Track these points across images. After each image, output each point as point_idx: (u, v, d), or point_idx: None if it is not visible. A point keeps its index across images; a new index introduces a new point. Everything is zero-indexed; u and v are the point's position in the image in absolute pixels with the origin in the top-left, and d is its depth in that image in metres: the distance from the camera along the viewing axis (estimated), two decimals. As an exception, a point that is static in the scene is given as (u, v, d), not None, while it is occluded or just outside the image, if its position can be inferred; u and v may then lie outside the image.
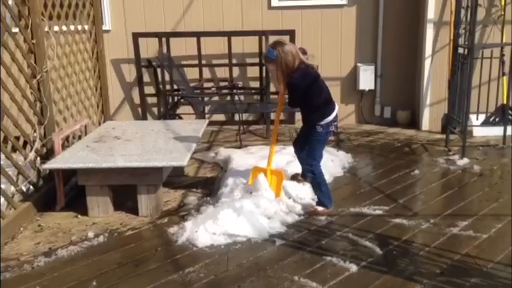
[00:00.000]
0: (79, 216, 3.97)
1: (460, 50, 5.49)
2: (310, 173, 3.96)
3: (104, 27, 6.16)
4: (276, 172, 4.10)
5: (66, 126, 4.61)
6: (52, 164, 3.89)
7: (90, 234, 3.64)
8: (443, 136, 5.92)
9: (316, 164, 3.95)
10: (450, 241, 3.46)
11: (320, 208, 3.93)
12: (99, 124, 5.45)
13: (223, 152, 5.49)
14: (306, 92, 3.78)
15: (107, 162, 3.84)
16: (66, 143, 4.53)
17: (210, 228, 3.53)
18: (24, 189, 3.96)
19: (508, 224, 3.69)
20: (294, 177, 4.33)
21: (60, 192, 4.09)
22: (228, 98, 6.75)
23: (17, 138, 3.97)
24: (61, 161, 3.92)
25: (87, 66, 5.27)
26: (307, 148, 3.94)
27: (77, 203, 4.12)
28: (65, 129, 4.48)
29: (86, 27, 5.28)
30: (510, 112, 5.71)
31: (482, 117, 5.77)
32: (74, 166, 3.86)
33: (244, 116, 6.44)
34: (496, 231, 3.58)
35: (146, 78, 6.67)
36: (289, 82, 3.77)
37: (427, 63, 6.39)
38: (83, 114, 5.12)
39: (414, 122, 6.77)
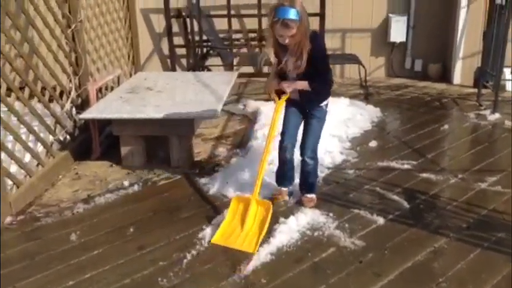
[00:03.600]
0: (114, 165, 4.12)
1: (498, 1, 5.30)
2: (313, 160, 3.33)
3: (133, -24, 6.12)
4: (263, 203, 3.14)
5: (99, 77, 4.70)
6: (88, 114, 4.00)
7: (125, 183, 3.78)
8: (475, 90, 5.82)
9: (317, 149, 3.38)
10: (478, 196, 3.49)
11: (314, 196, 3.44)
12: (130, 75, 5.53)
13: (252, 104, 5.54)
14: None
15: (140, 113, 3.92)
16: (100, 94, 4.63)
17: (240, 179, 3.63)
18: (61, 138, 4.10)
19: (537, 181, 3.69)
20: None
21: (96, 141, 4.22)
22: (257, 49, 6.71)
23: (54, 88, 4.08)
24: (96, 112, 4.03)
25: (118, 16, 5.31)
26: (314, 133, 3.27)
27: (111, 153, 4.25)
28: (99, 80, 4.56)
29: (117, -24, 5.27)
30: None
31: (516, 71, 5.64)
32: (109, 116, 3.96)
33: (273, 68, 6.40)
34: (524, 187, 3.60)
35: (175, 28, 6.65)
36: (319, 47, 3.04)
37: (462, 13, 6.20)
38: (115, 64, 5.19)
39: (445, 76, 6.65)
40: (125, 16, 5.45)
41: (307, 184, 3.42)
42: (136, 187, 3.72)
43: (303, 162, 3.34)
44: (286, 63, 3.11)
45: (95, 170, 4.06)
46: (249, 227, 3.06)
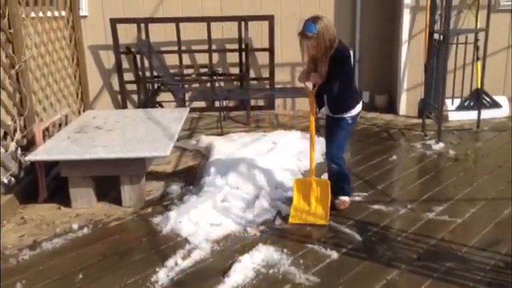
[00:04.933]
0: (62, 207, 3.99)
1: (436, 36, 5.59)
2: (337, 166, 3.79)
3: (81, 13, 6.06)
4: (322, 183, 3.81)
5: (46, 117, 4.58)
6: (34, 156, 3.88)
7: (74, 226, 3.66)
8: (420, 121, 6.05)
9: (343, 156, 3.84)
10: (426, 226, 3.59)
11: (347, 198, 3.89)
12: (79, 113, 5.42)
13: (204, 139, 5.52)
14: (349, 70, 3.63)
15: (89, 154, 3.84)
16: (47, 133, 4.50)
17: (193, 218, 3.59)
18: (5, 181, 3.94)
19: (481, 209, 3.84)
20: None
21: (43, 183, 4.08)
22: (208, 84, 6.75)
23: (-3, 130, 3.94)
24: (43, 153, 3.91)
25: (66, 54, 5.22)
26: (336, 141, 3.75)
27: (60, 194, 4.12)
28: (46, 120, 4.44)
29: (63, 13, 5.21)
30: (484, 96, 5.88)
31: (457, 101, 5.91)
32: (56, 158, 3.86)
33: (225, 103, 6.46)
34: (470, 215, 3.73)
35: (125, 65, 6.61)
36: (338, 56, 3.43)
37: (404, 48, 6.48)
38: (63, 103, 5.08)
39: (392, 107, 6.89)
40: (72, 54, 5.37)
41: (337, 188, 3.85)
42: (85, 230, 3.61)
43: (330, 168, 3.86)
44: (318, 66, 3.57)
45: (42, 213, 3.91)
46: (314, 204, 3.73)
